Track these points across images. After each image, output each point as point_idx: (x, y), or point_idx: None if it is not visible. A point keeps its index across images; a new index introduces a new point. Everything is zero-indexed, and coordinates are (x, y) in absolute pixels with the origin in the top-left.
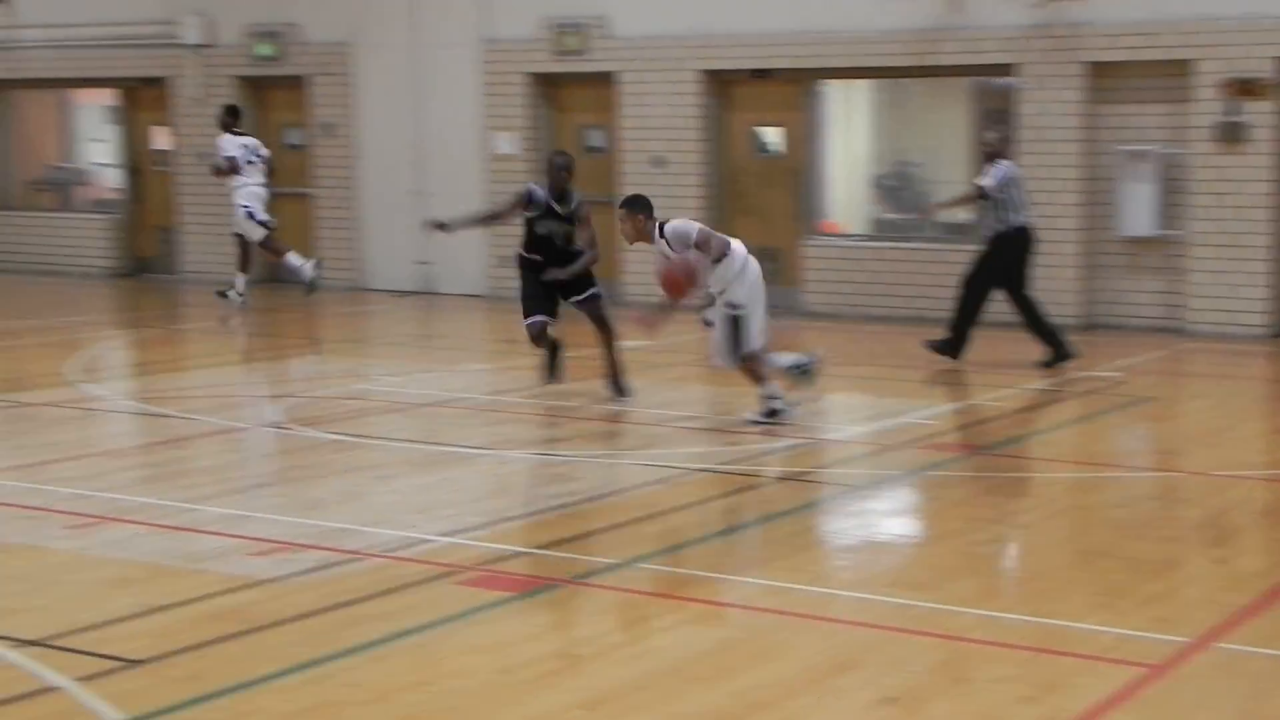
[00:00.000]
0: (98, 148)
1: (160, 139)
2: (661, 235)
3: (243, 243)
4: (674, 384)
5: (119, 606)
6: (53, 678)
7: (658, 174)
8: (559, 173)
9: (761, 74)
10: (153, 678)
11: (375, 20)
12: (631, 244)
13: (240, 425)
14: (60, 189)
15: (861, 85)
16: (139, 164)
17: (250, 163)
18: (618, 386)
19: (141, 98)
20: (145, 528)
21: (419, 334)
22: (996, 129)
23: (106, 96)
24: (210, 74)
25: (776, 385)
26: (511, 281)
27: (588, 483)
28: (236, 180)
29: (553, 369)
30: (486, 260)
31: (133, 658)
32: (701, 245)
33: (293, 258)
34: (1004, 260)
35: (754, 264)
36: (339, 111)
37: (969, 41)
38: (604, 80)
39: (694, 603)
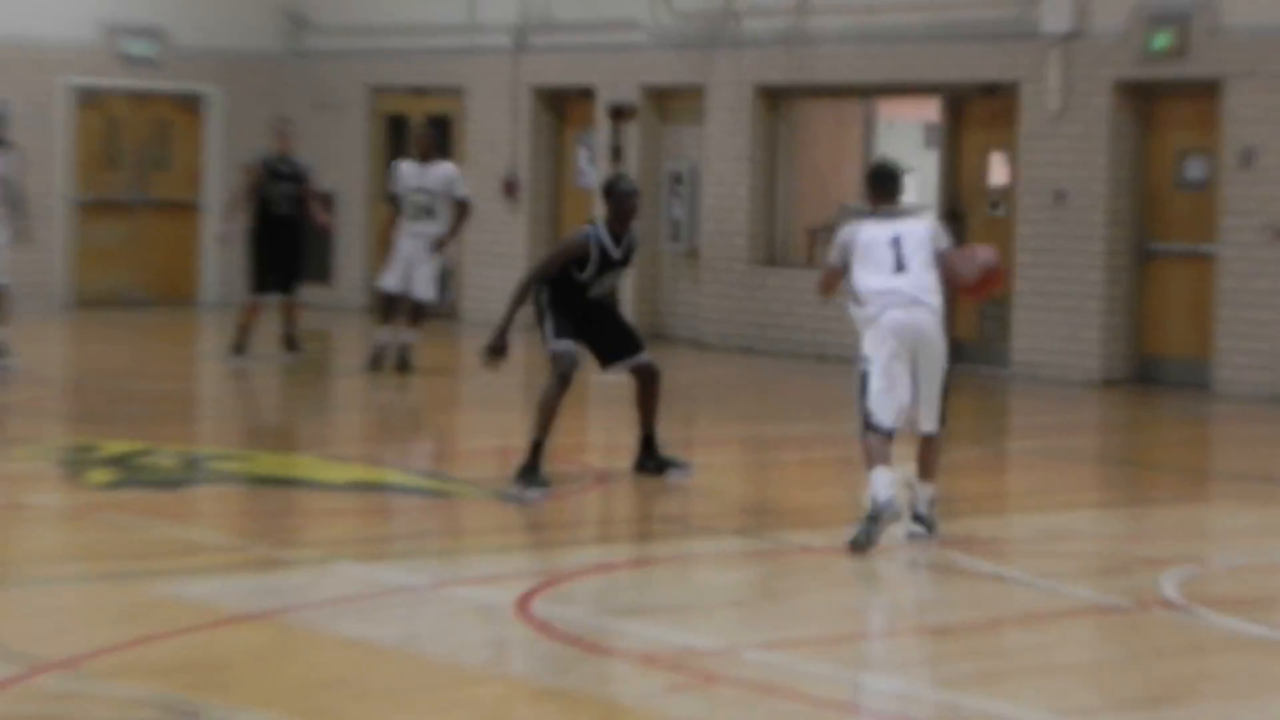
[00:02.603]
0: (905, 182)
1: (997, 170)
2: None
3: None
4: None
5: None
6: None
7: None
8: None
9: None
10: None
11: None
12: None
13: (1115, 601)
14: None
15: None
16: (961, 206)
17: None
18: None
19: (973, 112)
20: None
21: None
22: None
23: (924, 109)
24: (1077, 76)
25: (886, 491)
26: None
27: None
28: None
29: None
30: None
31: None
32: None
33: None
34: None
35: (895, 317)
36: (1269, 131)
37: None
38: None
39: None
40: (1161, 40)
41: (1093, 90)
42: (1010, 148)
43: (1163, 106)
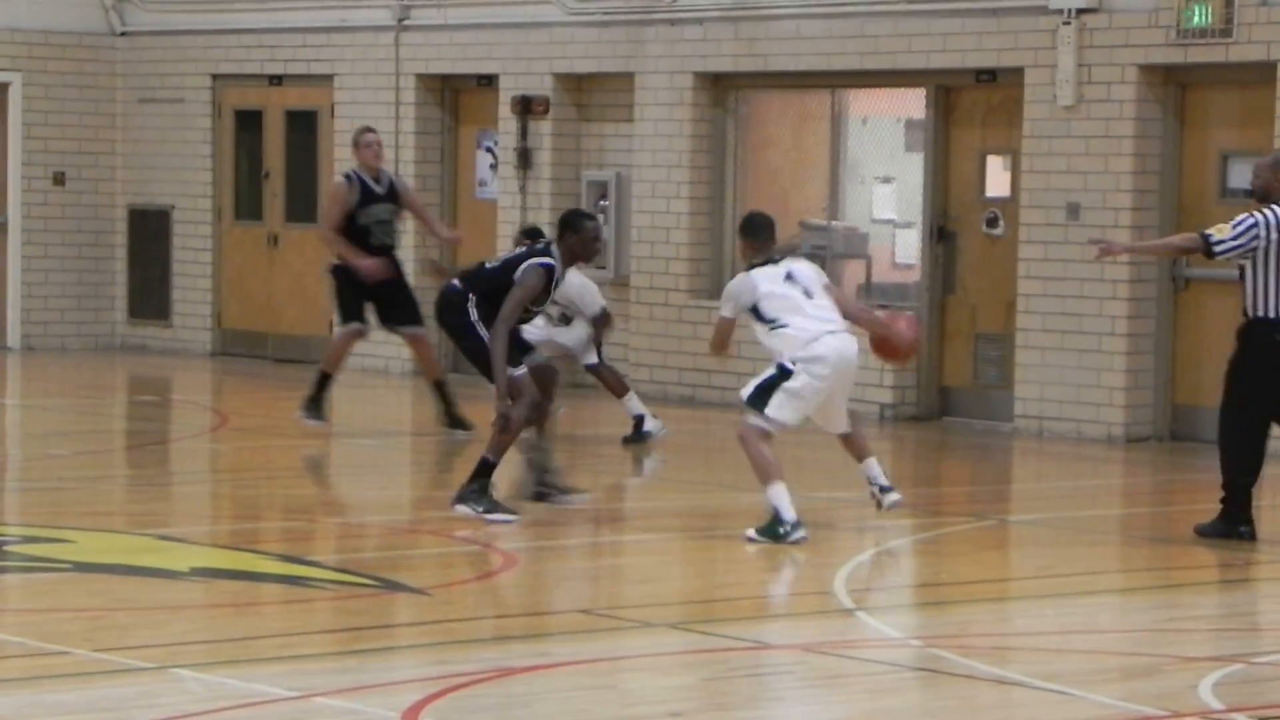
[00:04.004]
0: (883, 193)
1: (995, 178)
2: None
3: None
4: None
5: None
6: None
7: None
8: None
9: None
10: None
11: None
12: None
13: (1142, 710)
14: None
15: None
16: (954, 223)
17: None
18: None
19: (965, 107)
20: None
21: None
22: None
23: (906, 103)
24: (1094, 61)
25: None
26: None
27: None
28: None
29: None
30: None
31: None
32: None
33: None
34: None
35: (832, 344)
36: None
37: None
38: None
39: None
40: (1200, 15)
41: (1114, 78)
42: (1011, 150)
43: (1202, 97)
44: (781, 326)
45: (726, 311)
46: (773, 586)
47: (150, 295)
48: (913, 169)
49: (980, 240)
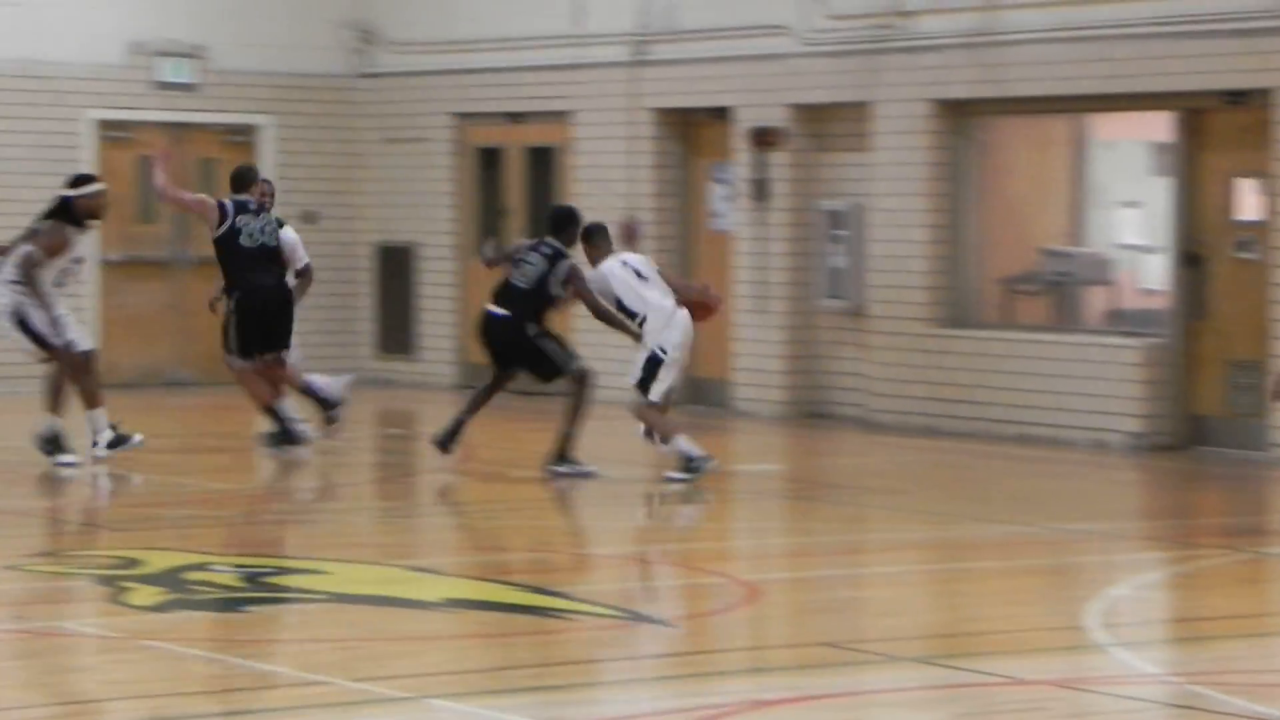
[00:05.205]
0: (1129, 218)
1: (1246, 201)
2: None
3: None
4: None
5: None
6: None
7: None
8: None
9: None
10: None
11: None
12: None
13: None
14: (1056, 292)
15: None
16: (1202, 248)
17: None
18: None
19: (1214, 129)
20: None
21: None
22: None
23: (1151, 126)
24: None
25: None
26: None
27: None
28: None
29: None
30: None
31: None
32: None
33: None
34: None
35: (684, 317)
36: None
37: None
38: None
39: None
40: None
41: None
42: (1263, 172)
43: None
44: (643, 321)
45: (599, 293)
46: (1021, 620)
47: (396, 330)
48: (1158, 193)
49: (1231, 265)
